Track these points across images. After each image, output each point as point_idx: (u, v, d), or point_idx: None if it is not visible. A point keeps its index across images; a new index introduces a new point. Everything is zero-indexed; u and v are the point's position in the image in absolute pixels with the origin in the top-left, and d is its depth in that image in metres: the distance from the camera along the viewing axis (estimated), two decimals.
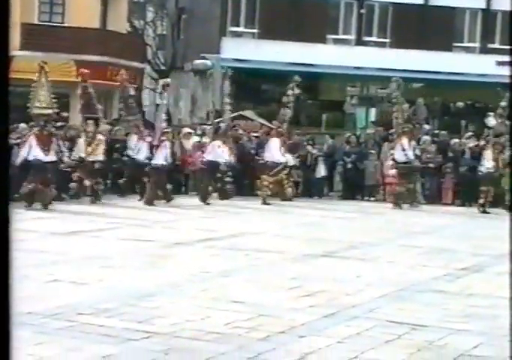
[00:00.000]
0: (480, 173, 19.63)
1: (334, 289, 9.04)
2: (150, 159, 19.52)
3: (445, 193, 22.18)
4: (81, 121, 19.97)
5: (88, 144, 19.04)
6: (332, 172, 23.26)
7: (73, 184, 18.89)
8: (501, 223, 13.73)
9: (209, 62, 32.24)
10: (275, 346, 6.47)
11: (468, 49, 35.00)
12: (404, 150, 20.04)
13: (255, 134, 23.68)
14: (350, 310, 7.92)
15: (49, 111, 17.81)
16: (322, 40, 33.44)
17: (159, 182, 18.97)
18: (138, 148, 19.90)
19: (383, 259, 11.54)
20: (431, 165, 21.55)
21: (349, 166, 22.72)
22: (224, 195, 20.17)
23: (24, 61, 22.98)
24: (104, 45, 30.02)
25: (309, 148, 22.79)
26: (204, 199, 19.61)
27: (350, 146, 23.10)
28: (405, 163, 20.04)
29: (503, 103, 20.09)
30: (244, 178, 22.12)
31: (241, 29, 33.83)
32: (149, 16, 43.04)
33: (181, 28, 38.55)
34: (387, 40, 34.47)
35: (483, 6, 34.79)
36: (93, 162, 18.94)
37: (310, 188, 22.75)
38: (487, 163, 19.45)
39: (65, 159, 18.11)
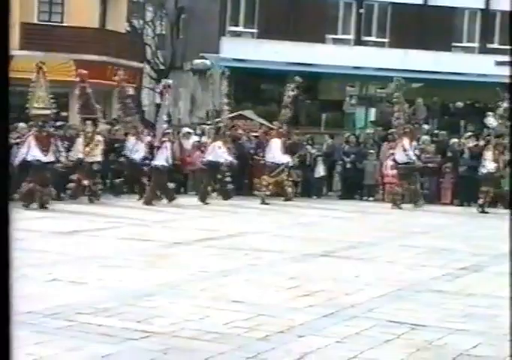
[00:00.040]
0: (480, 174, 19.63)
1: (333, 288, 9.04)
2: (147, 159, 19.53)
3: (444, 192, 22.19)
4: (79, 122, 19.96)
5: (87, 144, 19.04)
6: (332, 171, 23.29)
7: (71, 185, 18.86)
8: (500, 223, 13.74)
9: (208, 62, 32.23)
10: (275, 345, 6.47)
11: (467, 49, 34.98)
12: (405, 150, 20.04)
13: (254, 134, 23.69)
14: (350, 310, 7.92)
15: (48, 112, 17.79)
16: (321, 39, 33.42)
17: (159, 183, 18.99)
18: (136, 149, 19.90)
19: (382, 259, 11.54)
20: (430, 165, 21.56)
21: (348, 165, 22.73)
22: (226, 195, 20.16)
23: (23, 60, 22.95)
24: (104, 45, 30.02)
25: (308, 147, 22.80)
26: (203, 199, 19.62)
27: (350, 146, 23.11)
28: (405, 163, 20.04)
29: (504, 104, 20.08)
30: (243, 178, 22.14)
31: (240, 29, 33.81)
32: (149, 15, 43.06)
33: (180, 27, 38.55)
34: (386, 40, 34.46)
35: (482, 6, 34.77)
36: (91, 163, 18.95)
37: (309, 188, 22.76)
38: (488, 164, 19.45)
39: (62, 159, 18.07)
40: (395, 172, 20.68)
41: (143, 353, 6.16)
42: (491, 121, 20.76)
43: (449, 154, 22.20)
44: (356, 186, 22.96)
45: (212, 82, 23.98)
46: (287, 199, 20.35)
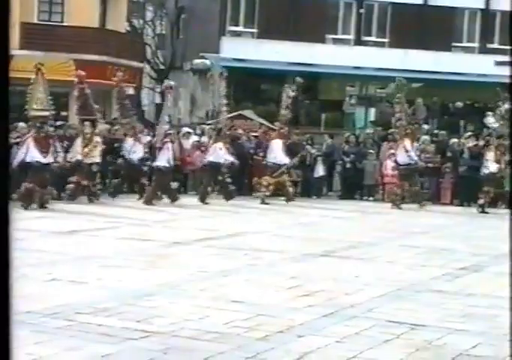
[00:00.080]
0: (483, 174, 19.62)
1: (333, 288, 9.05)
2: (145, 159, 19.52)
3: (444, 193, 22.19)
4: (78, 123, 19.93)
5: (85, 145, 19.00)
6: (331, 171, 23.28)
7: (69, 186, 18.78)
8: (501, 223, 13.74)
9: (208, 62, 32.24)
10: (274, 345, 6.48)
11: (467, 49, 34.99)
12: (407, 152, 20.02)
13: (254, 134, 23.68)
14: (349, 310, 7.92)
15: (46, 113, 17.76)
16: (321, 39, 33.43)
17: (161, 184, 19.00)
18: (133, 150, 19.89)
19: (382, 259, 11.54)
20: (430, 165, 21.55)
21: (348, 165, 22.73)
22: (229, 196, 20.14)
23: (23, 60, 22.94)
24: (103, 44, 30.01)
25: (308, 147, 22.79)
26: (203, 199, 19.62)
27: (349, 146, 23.11)
28: (407, 165, 20.03)
29: (505, 105, 20.07)
30: (243, 178, 22.13)
31: (240, 29, 33.81)
32: (149, 15, 43.06)
33: (180, 27, 38.55)
34: (386, 40, 34.47)
35: (482, 6, 34.79)
36: (90, 164, 18.91)
37: (309, 188, 22.75)
38: (490, 165, 19.44)
39: (59, 159, 17.99)
40: (395, 172, 20.67)
41: (143, 353, 6.16)
42: (491, 121, 20.77)
43: (449, 154, 22.20)
44: (356, 186, 22.96)
45: (213, 82, 23.96)
46: (288, 200, 20.33)
